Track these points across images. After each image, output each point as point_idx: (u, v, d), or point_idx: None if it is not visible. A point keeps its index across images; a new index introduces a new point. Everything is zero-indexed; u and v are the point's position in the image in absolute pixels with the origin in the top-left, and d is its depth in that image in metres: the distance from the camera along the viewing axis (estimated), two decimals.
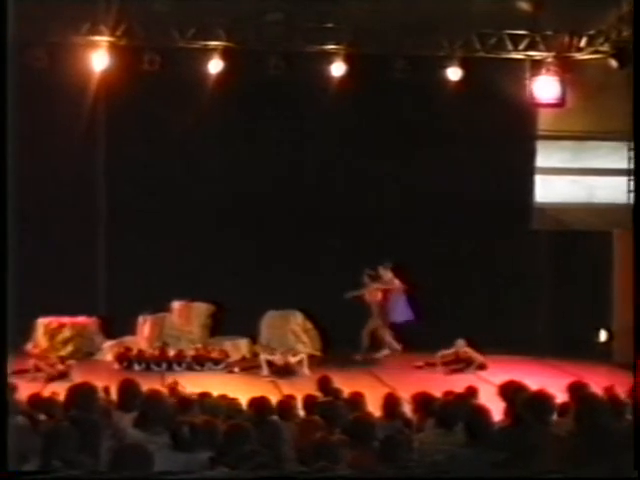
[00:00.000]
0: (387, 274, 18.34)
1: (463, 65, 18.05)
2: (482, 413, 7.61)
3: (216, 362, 17.49)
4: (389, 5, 16.64)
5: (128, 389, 8.58)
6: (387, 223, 18.98)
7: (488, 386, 12.47)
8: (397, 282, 18.28)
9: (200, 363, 17.36)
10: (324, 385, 11.06)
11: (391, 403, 9.48)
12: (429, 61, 18.10)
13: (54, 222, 18.28)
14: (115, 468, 6.01)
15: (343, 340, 18.34)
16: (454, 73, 18.12)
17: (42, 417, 8.59)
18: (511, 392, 8.60)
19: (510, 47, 17.93)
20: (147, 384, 10.04)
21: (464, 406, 8.24)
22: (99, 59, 17.25)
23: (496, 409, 8.22)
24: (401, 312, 18.35)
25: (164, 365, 17.18)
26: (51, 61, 17.24)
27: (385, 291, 18.36)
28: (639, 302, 10.69)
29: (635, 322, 9.82)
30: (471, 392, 10.57)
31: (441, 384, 13.18)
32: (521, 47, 18.00)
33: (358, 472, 6.62)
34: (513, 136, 18.84)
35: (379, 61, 17.93)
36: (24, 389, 10.07)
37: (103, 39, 17.10)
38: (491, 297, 19.00)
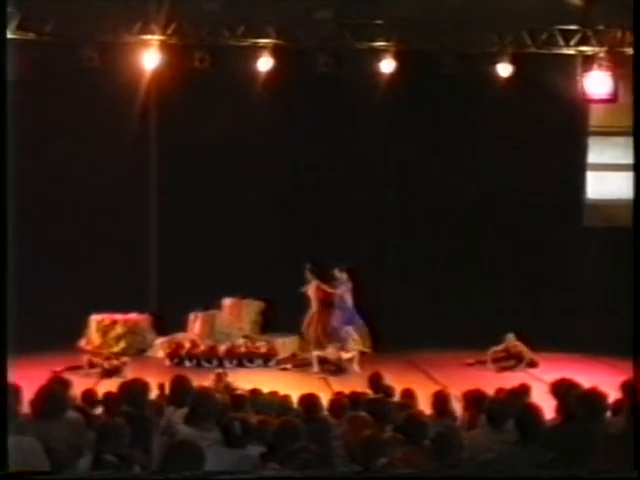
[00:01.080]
0: (342, 276, 18.28)
1: (514, 61, 17.91)
2: (533, 411, 7.55)
3: (265, 358, 17.55)
4: (438, 1, 16.56)
5: (180, 385, 8.64)
6: (438, 220, 18.94)
7: (540, 384, 12.38)
8: (345, 287, 18.20)
9: (250, 359, 17.42)
10: (375, 382, 11.02)
11: (441, 400, 9.45)
12: (479, 57, 17.98)
13: (105, 219, 18.43)
14: (167, 464, 6.05)
15: (393, 337, 18.33)
16: (504, 69, 17.99)
17: (95, 412, 8.69)
18: (563, 390, 8.53)
19: (561, 42, 17.76)
20: (198, 381, 10.12)
21: (515, 404, 8.19)
22: (150, 58, 17.36)
23: (548, 407, 8.15)
24: (343, 316, 18.29)
25: (215, 362, 17.26)
26: (102, 60, 17.36)
27: (327, 292, 18.30)
28: (638, 302, 10.56)
29: (634, 321, 9.70)
30: (523, 390, 10.48)
31: (492, 382, 13.12)
32: (572, 42, 17.82)
33: (409, 470, 6.61)
34: (565, 132, 18.67)
35: (429, 57, 17.85)
36: (78, 385, 10.16)
37: (154, 38, 17.21)
38: (543, 294, 18.85)
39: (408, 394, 10.11)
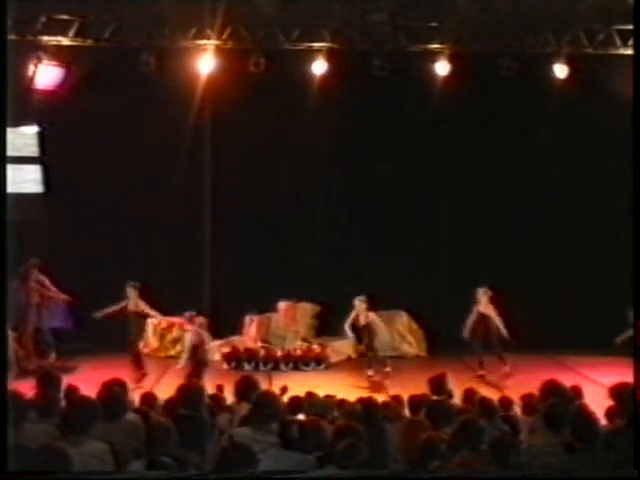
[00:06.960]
0: (35, 274, 17.18)
1: (570, 62, 17.76)
2: (589, 415, 7.47)
3: (318, 361, 17.58)
4: (494, 2, 16.45)
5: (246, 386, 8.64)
6: (499, 218, 18.87)
7: (597, 387, 12.25)
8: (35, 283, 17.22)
9: (306, 363, 17.45)
10: (437, 384, 10.62)
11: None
12: (535, 59, 17.84)
13: (161, 223, 18.57)
14: (220, 467, 6.08)
15: (448, 340, 18.25)
16: (561, 70, 17.84)
17: (153, 415, 8.74)
18: (623, 393, 8.43)
19: (619, 43, 17.56)
20: None
21: (571, 408, 8.09)
22: (206, 62, 17.48)
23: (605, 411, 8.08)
24: (59, 318, 17.82)
25: (270, 365, 17.31)
26: (159, 65, 17.53)
27: (42, 294, 17.36)
28: (638, 300, 10.42)
29: (634, 321, 9.57)
30: (577, 393, 10.27)
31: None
32: (630, 43, 17.58)
33: (467, 473, 6.58)
34: (623, 135, 18.44)
35: (484, 59, 17.75)
36: (138, 388, 10.21)
37: (210, 43, 17.32)
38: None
39: (469, 395, 10.03)
